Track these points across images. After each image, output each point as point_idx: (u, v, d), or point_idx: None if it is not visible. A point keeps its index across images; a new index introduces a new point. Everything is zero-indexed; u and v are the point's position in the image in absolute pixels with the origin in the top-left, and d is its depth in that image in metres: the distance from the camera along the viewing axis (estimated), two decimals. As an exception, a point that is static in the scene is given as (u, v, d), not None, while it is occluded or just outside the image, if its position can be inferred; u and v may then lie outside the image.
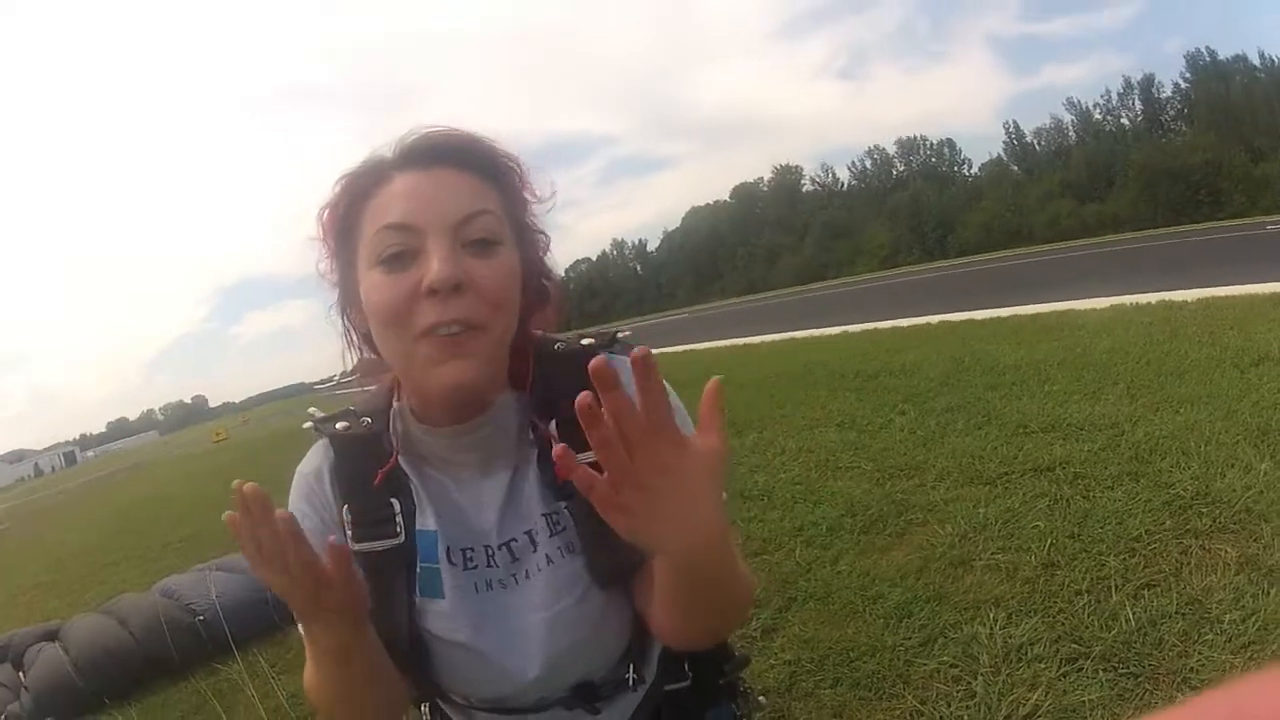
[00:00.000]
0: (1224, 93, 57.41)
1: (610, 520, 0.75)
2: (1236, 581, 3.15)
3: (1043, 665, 2.92)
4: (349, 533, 1.02)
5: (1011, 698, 2.80)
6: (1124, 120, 67.48)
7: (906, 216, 69.26)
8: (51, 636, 5.17)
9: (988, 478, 4.87)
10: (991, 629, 3.21)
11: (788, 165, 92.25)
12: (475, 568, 1.03)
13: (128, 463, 46.89)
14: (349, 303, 1.03)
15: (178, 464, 31.76)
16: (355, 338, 1.07)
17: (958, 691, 2.94)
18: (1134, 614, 3.06)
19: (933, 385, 7.64)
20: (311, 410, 1.12)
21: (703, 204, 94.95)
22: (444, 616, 1.02)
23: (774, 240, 78.58)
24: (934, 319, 12.95)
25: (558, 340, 1.09)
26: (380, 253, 0.93)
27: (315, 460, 1.09)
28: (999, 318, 11.56)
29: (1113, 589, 3.31)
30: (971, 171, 78.44)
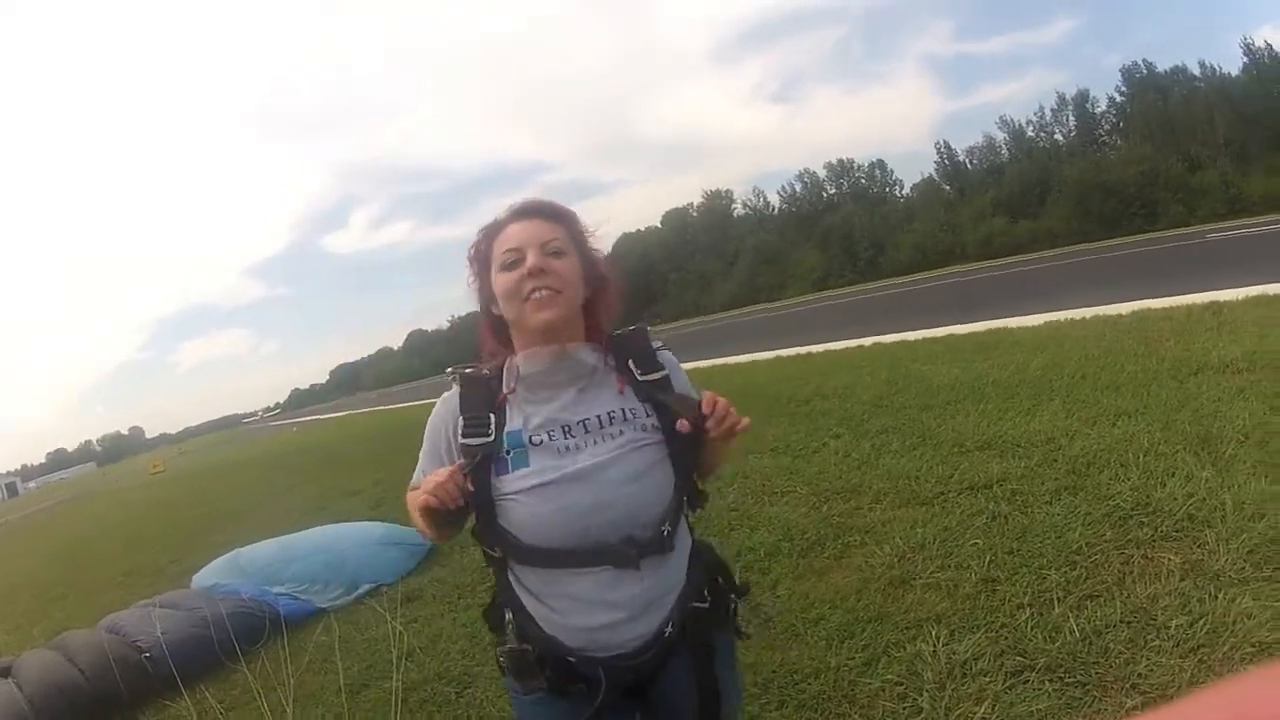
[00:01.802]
0: (1162, 104, 59.54)
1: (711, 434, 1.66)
2: (1182, 587, 3.27)
3: (988, 679, 3.00)
4: (459, 431, 1.74)
5: (958, 712, 2.88)
6: (1057, 136, 69.55)
7: (838, 239, 70.27)
8: (4, 672, 5.11)
9: (924, 498, 4.99)
10: (935, 646, 3.28)
11: (718, 190, 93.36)
12: (556, 439, 1.69)
13: (67, 494, 45.88)
14: (488, 300, 1.78)
15: (116, 496, 31.43)
16: (490, 329, 1.83)
17: (904, 709, 3.01)
18: (1078, 625, 3.16)
19: (867, 407, 7.82)
20: (449, 369, 1.87)
21: (633, 231, 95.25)
22: (529, 474, 1.67)
23: (706, 266, 79.26)
24: (867, 341, 13.27)
25: (618, 329, 1.85)
26: (503, 262, 1.71)
27: (450, 393, 1.82)
28: (932, 337, 11.90)
29: (1055, 601, 3.41)
30: (904, 192, 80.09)
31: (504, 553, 1.72)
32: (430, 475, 1.64)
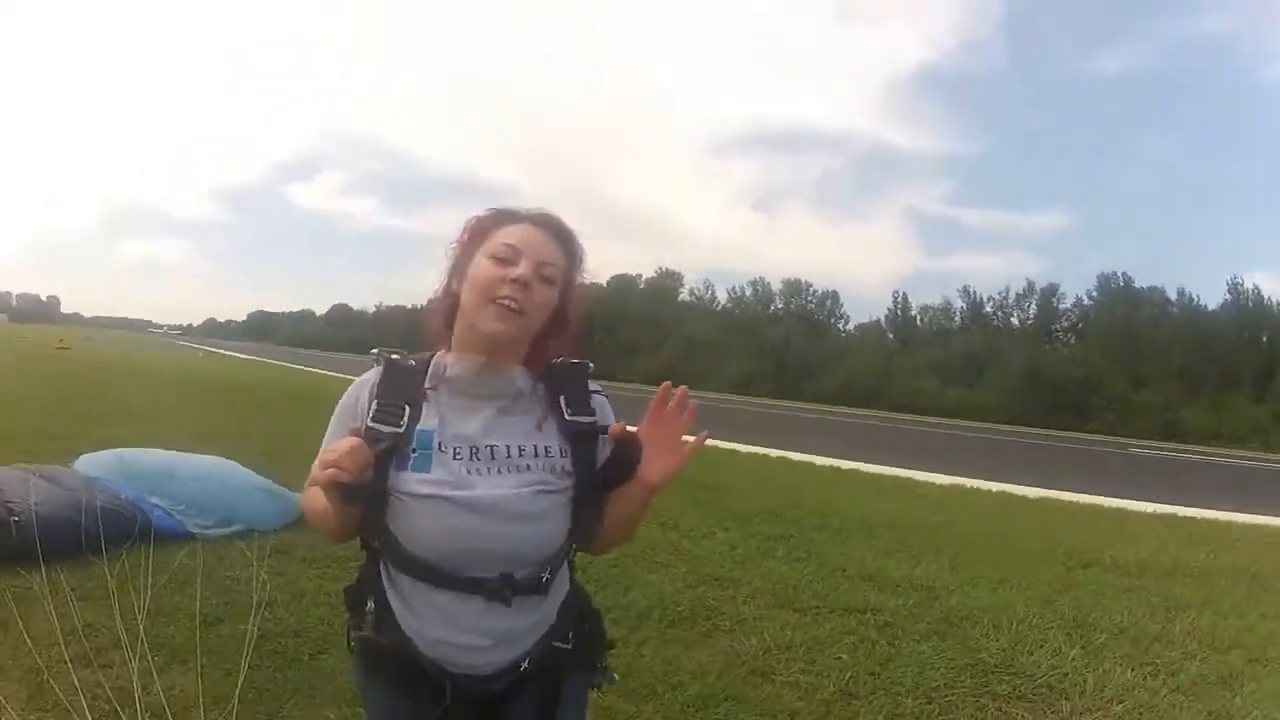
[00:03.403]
0: (1128, 317, 61.92)
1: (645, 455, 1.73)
2: (1030, 746, 3.48)
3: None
4: (370, 415, 1.73)
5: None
6: (1014, 319, 71.95)
7: (772, 351, 71.46)
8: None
9: (800, 606, 5.18)
10: (786, 738, 3.43)
11: (670, 270, 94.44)
12: (461, 458, 1.70)
13: None
14: (457, 273, 1.78)
15: (16, 354, 30.24)
16: (443, 309, 1.81)
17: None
18: (922, 751, 3.34)
19: (762, 513, 8.02)
20: (374, 349, 1.85)
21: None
22: (427, 481, 1.68)
23: (637, 337, 79.57)
24: (774, 452, 13.60)
25: (559, 359, 1.86)
26: (495, 253, 1.71)
27: (371, 375, 1.82)
28: (838, 468, 12.36)
29: (906, 727, 3.59)
30: (847, 327, 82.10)
31: (382, 549, 1.74)
32: (329, 447, 1.61)
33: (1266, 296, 59.83)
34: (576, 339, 1.87)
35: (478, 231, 1.78)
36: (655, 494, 1.75)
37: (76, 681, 3.32)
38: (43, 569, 4.39)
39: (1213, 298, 63.22)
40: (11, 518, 4.78)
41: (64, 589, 4.30)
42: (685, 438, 1.77)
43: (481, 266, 1.71)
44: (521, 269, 1.68)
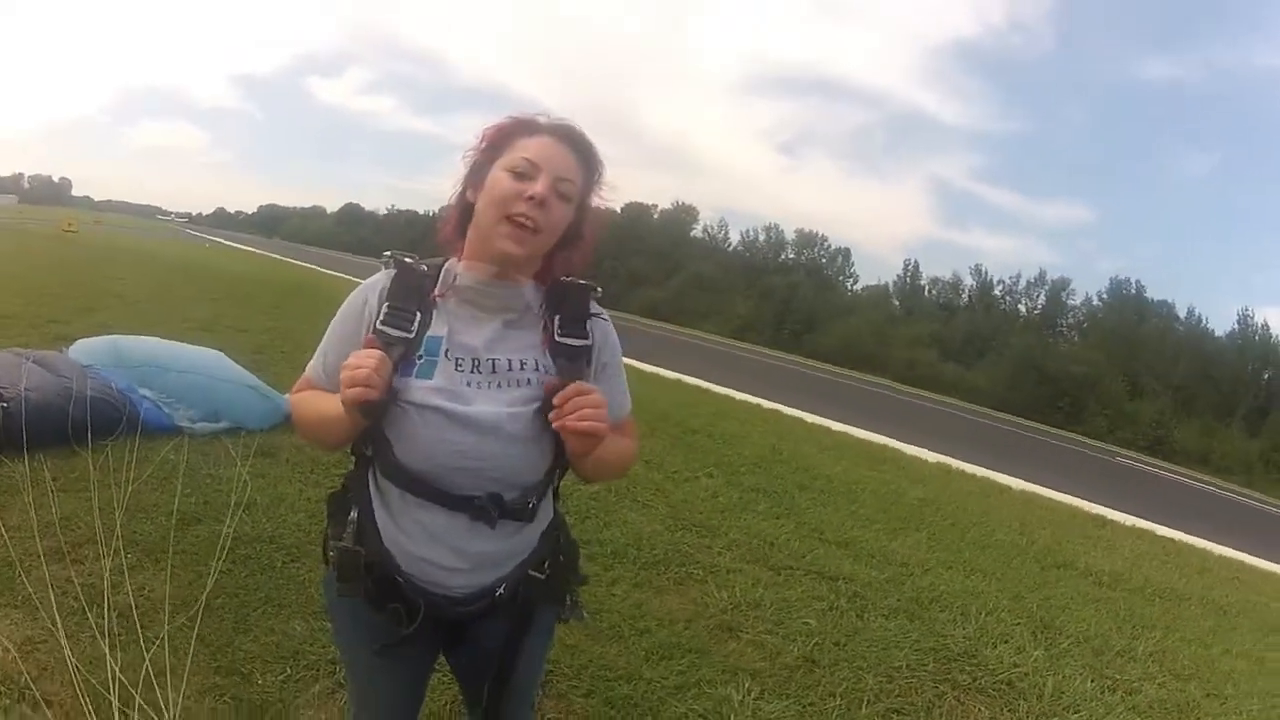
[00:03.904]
0: (1135, 324, 61.94)
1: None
2: (983, 739, 3.49)
3: (784, 747, 3.15)
4: (380, 318, 1.70)
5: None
6: (1021, 306, 71.87)
7: (776, 300, 71.38)
8: None
9: (773, 564, 5.19)
10: (744, 697, 3.46)
11: (686, 205, 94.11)
12: (463, 369, 1.69)
13: None
14: (473, 183, 1.73)
15: (23, 236, 29.88)
16: (456, 215, 1.78)
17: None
18: (878, 732, 3.35)
19: (746, 462, 8.04)
20: (387, 253, 1.80)
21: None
22: (429, 390, 1.66)
23: (642, 268, 79.24)
24: (765, 403, 13.62)
25: (568, 277, 1.81)
26: (513, 166, 1.66)
27: (380, 278, 1.78)
28: (826, 428, 12.33)
29: (864, 703, 3.63)
30: (854, 287, 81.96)
31: (374, 456, 1.72)
32: (353, 358, 1.58)
33: (1275, 334, 60.09)
34: (587, 261, 1.84)
35: (496, 141, 1.73)
36: (589, 449, 1.67)
37: (48, 576, 3.30)
38: (25, 458, 4.36)
39: (1220, 324, 63.49)
40: (1, 404, 4.70)
41: (45, 479, 4.26)
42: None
43: (498, 180, 1.66)
44: (539, 186, 1.64)
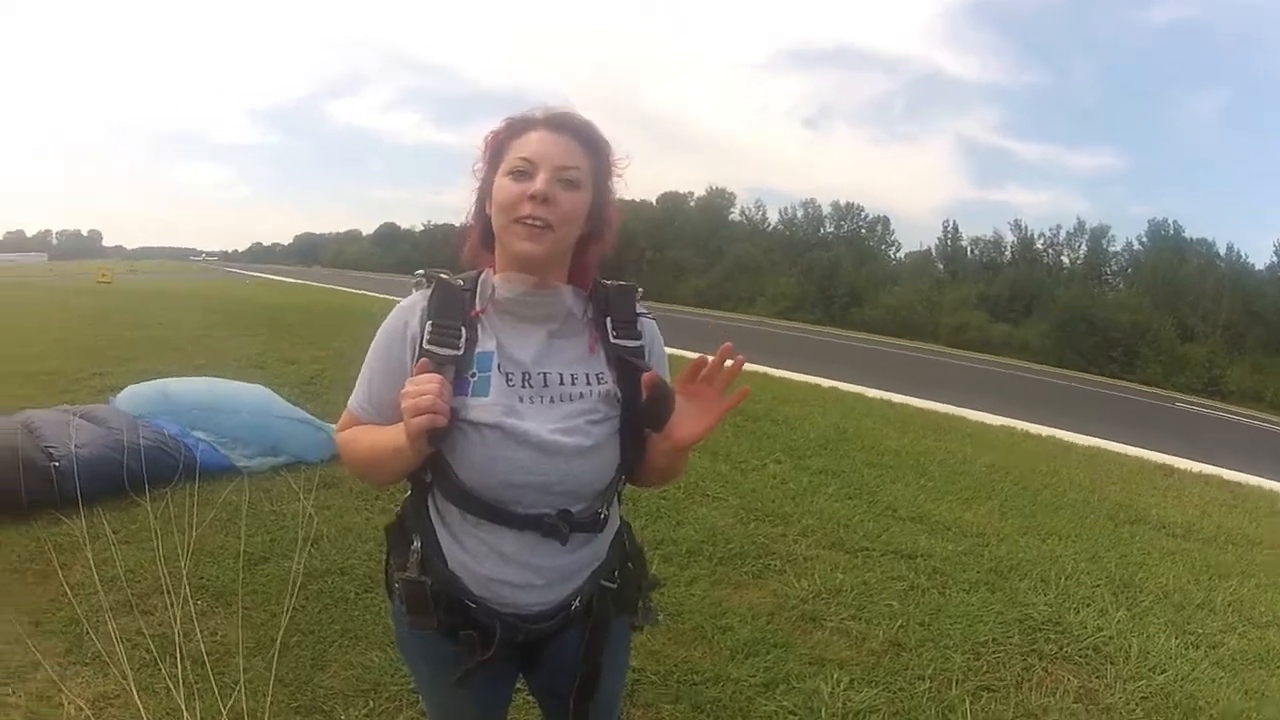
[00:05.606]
0: (1176, 266, 60.67)
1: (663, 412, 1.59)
2: (1074, 709, 3.51)
3: (879, 735, 3.15)
4: (426, 338, 1.63)
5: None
6: (1064, 258, 70.61)
7: (820, 276, 70.76)
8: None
9: (850, 547, 5.16)
10: (834, 688, 3.44)
11: (721, 189, 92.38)
12: (514, 384, 1.63)
13: (12, 278, 44.22)
14: (486, 196, 1.68)
15: (58, 292, 30.00)
16: (479, 231, 1.73)
17: (796, 740, 3.14)
18: (971, 711, 3.36)
19: (812, 444, 7.99)
20: (420, 271, 1.73)
21: (624, 200, 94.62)
22: (486, 407, 1.60)
23: (685, 257, 78.84)
24: (825, 382, 13.48)
25: (608, 281, 1.78)
26: (512, 168, 1.61)
27: (416, 298, 1.71)
28: (889, 401, 12.18)
29: (954, 683, 3.60)
30: (897, 255, 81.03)
31: (434, 481, 1.66)
32: (410, 385, 1.51)
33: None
34: (613, 239, 1.77)
35: (495, 147, 1.68)
36: (685, 451, 1.65)
37: (116, 631, 3.28)
38: (82, 514, 4.35)
39: (1259, 257, 62.01)
40: (51, 463, 4.66)
41: (106, 533, 4.25)
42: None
43: (502, 186, 1.62)
44: (539, 183, 1.58)
